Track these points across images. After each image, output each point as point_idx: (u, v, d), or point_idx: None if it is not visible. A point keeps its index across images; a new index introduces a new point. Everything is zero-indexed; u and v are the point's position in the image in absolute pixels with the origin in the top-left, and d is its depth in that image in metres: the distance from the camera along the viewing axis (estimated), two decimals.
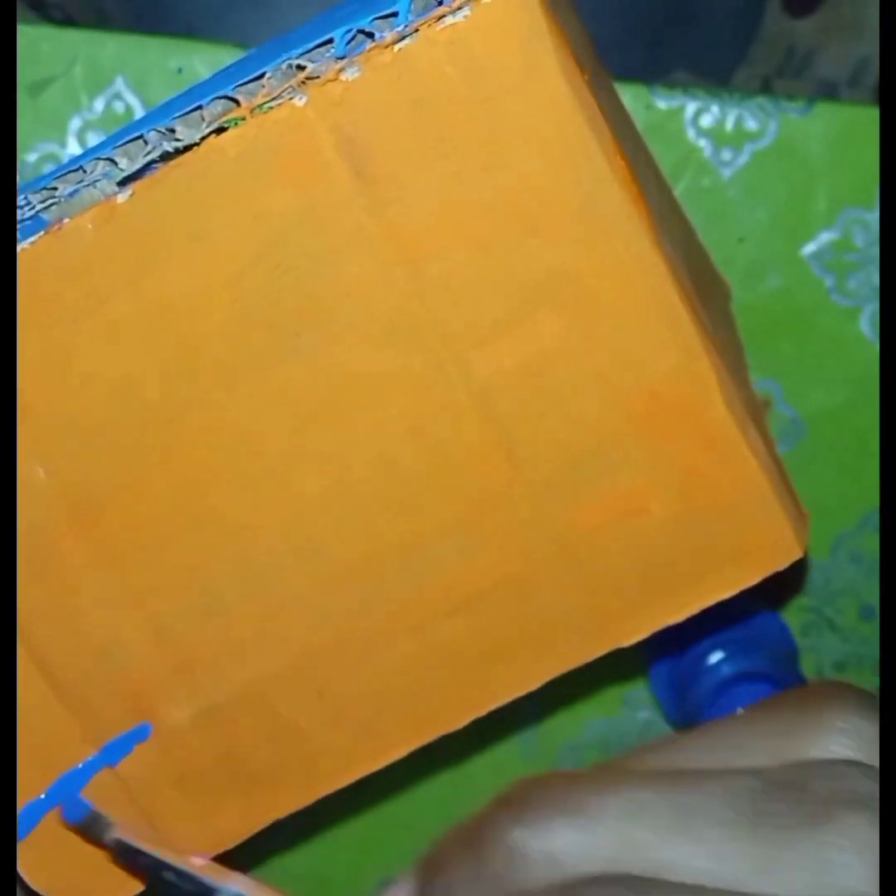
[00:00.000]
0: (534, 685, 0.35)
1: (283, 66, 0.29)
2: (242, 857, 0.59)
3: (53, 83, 0.50)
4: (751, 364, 0.55)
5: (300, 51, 0.29)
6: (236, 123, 0.29)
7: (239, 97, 0.29)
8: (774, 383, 0.55)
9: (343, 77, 0.28)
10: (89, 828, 0.31)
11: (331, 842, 0.59)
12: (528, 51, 0.28)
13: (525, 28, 0.28)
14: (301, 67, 0.29)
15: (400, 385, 0.31)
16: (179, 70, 0.50)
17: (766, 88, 0.96)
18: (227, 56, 0.50)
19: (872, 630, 0.58)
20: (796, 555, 0.34)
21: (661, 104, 0.52)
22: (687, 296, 0.31)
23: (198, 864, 0.30)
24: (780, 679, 0.51)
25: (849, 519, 0.57)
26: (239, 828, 0.35)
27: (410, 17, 0.28)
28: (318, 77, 0.28)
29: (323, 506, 0.32)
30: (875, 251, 0.54)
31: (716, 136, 0.53)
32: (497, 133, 0.29)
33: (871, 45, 0.92)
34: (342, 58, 0.28)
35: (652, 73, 1.11)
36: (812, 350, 0.55)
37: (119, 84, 0.50)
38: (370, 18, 0.29)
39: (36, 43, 0.50)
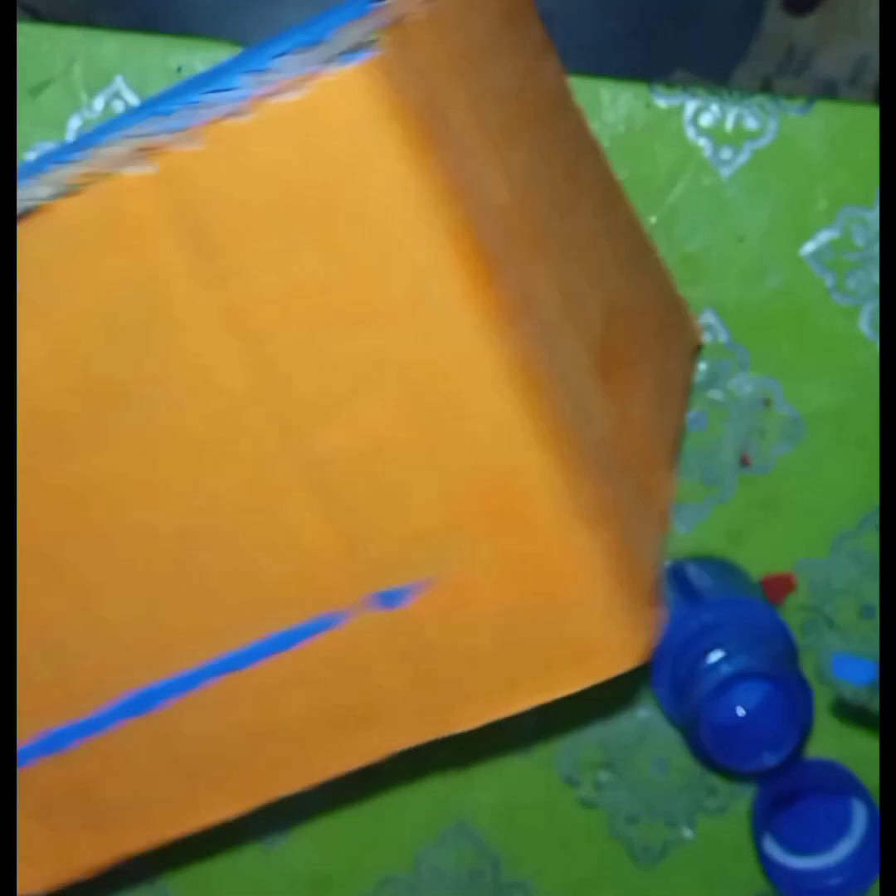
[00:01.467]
0: (369, 760, 0.35)
1: (126, 134, 0.29)
2: (243, 858, 0.59)
3: (53, 82, 0.50)
4: (749, 363, 0.55)
5: (141, 119, 0.29)
6: (78, 189, 0.29)
7: (83, 161, 0.29)
8: (774, 382, 0.55)
9: (183, 148, 0.28)
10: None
11: (331, 840, 0.60)
12: (362, 135, 0.28)
13: (361, 112, 0.27)
14: (142, 136, 0.29)
15: (233, 454, 0.31)
16: (179, 69, 0.50)
17: (766, 87, 0.96)
18: (225, 55, 0.50)
19: (872, 628, 0.58)
20: (628, 665, 0.33)
21: (662, 103, 0.52)
22: (536, 385, 0.30)
23: None
24: (779, 678, 0.51)
25: (848, 518, 0.57)
26: (91, 861, 0.36)
27: (248, 92, 0.28)
28: (158, 147, 0.28)
29: (157, 570, 0.32)
30: (874, 250, 0.54)
31: (716, 135, 0.53)
32: (330, 215, 0.28)
33: (870, 44, 0.92)
34: (182, 129, 0.28)
35: (652, 71, 1.11)
36: (812, 349, 0.55)
37: (118, 83, 0.50)
38: (209, 91, 0.29)
39: (36, 42, 0.50)
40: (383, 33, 0.29)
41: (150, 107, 0.31)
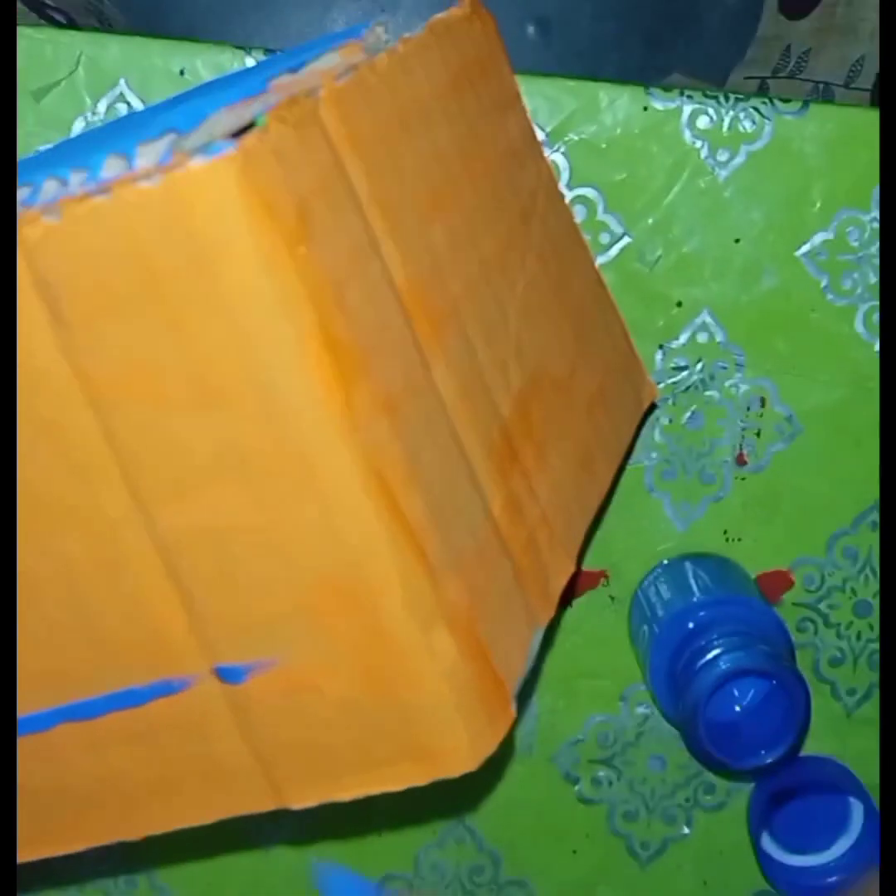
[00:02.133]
0: (206, 820, 0.35)
1: None
2: (242, 857, 0.59)
3: (57, 85, 0.50)
4: (745, 363, 0.55)
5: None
6: None
7: None
8: (770, 382, 0.56)
9: (43, 220, 0.28)
10: None
11: (329, 840, 0.60)
12: (217, 227, 0.27)
13: (216, 204, 0.27)
14: None
15: (89, 522, 0.31)
16: (182, 72, 0.51)
17: (762, 90, 0.97)
18: (228, 58, 0.51)
19: (867, 626, 0.59)
20: (466, 768, 0.33)
21: (658, 105, 0.53)
22: (385, 484, 0.30)
23: None
24: (777, 675, 0.51)
25: (844, 516, 0.58)
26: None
27: (102, 175, 0.28)
28: (19, 217, 0.28)
29: (22, 621, 0.33)
30: (869, 251, 0.55)
31: (712, 137, 0.53)
32: (182, 303, 0.28)
33: (866, 47, 0.92)
34: (44, 202, 0.28)
35: (649, 74, 1.11)
36: (807, 349, 0.55)
37: (122, 85, 0.50)
38: (67, 168, 0.29)
39: (40, 45, 0.50)
40: (271, 115, 0.29)
41: (20, 171, 0.31)
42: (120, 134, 0.34)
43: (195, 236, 0.27)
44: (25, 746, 0.35)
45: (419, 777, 0.33)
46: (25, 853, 0.37)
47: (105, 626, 0.33)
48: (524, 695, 0.37)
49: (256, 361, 0.28)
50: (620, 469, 0.53)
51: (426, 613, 0.31)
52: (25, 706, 0.34)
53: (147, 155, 0.28)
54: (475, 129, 0.41)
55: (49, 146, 0.50)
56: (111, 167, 0.29)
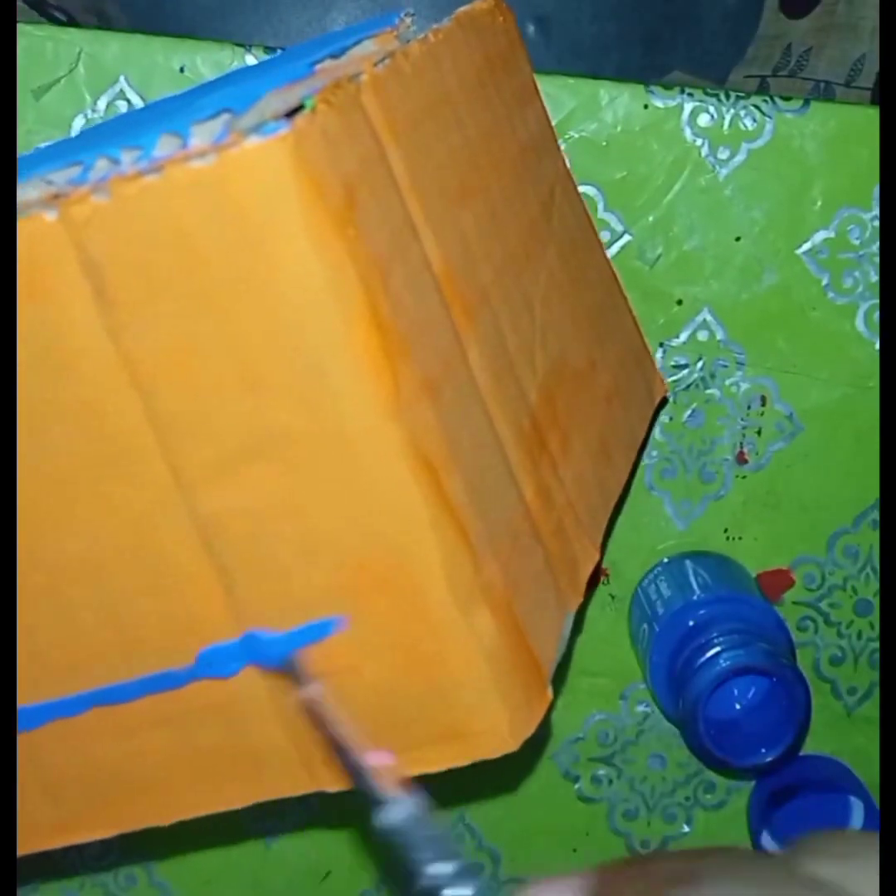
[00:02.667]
0: (235, 804, 0.35)
1: (37, 180, 0.29)
2: (242, 854, 0.59)
3: (57, 82, 0.50)
4: (746, 361, 0.55)
5: (52, 167, 0.29)
6: None
7: None
8: (771, 380, 0.56)
9: (92, 199, 0.28)
10: (293, 672, 0.32)
11: (331, 835, 0.60)
12: (269, 207, 0.27)
13: (267, 187, 0.27)
14: (51, 183, 0.29)
15: (124, 504, 0.31)
16: (181, 69, 0.51)
17: (762, 89, 0.97)
18: (228, 55, 0.51)
19: (868, 625, 0.59)
20: (505, 749, 0.33)
21: (659, 103, 0.53)
22: (429, 465, 0.30)
23: (376, 764, 0.31)
24: (777, 673, 0.51)
25: (845, 515, 0.57)
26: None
27: (155, 153, 0.28)
28: (67, 195, 0.28)
29: (38, 606, 0.33)
30: (870, 249, 0.55)
31: (712, 135, 0.53)
32: (231, 282, 0.28)
33: (866, 45, 0.92)
34: (93, 181, 0.28)
35: (649, 74, 1.11)
36: (808, 347, 0.55)
37: (122, 83, 0.50)
38: (119, 147, 0.29)
39: (40, 43, 0.50)
40: (318, 98, 0.29)
41: (69, 150, 0.31)
42: (172, 114, 0.33)
43: (247, 216, 0.27)
44: (55, 731, 0.34)
45: (460, 758, 0.33)
46: (55, 840, 0.37)
47: (141, 610, 0.32)
48: (557, 680, 0.37)
49: (303, 342, 0.28)
50: (636, 462, 0.53)
51: (468, 594, 0.31)
52: (55, 690, 0.34)
53: (201, 134, 0.28)
54: (499, 120, 0.41)
55: (51, 141, 0.50)
56: (165, 146, 0.28)
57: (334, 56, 0.36)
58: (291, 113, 0.28)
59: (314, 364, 0.29)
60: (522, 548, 0.34)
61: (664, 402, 0.55)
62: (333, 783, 0.34)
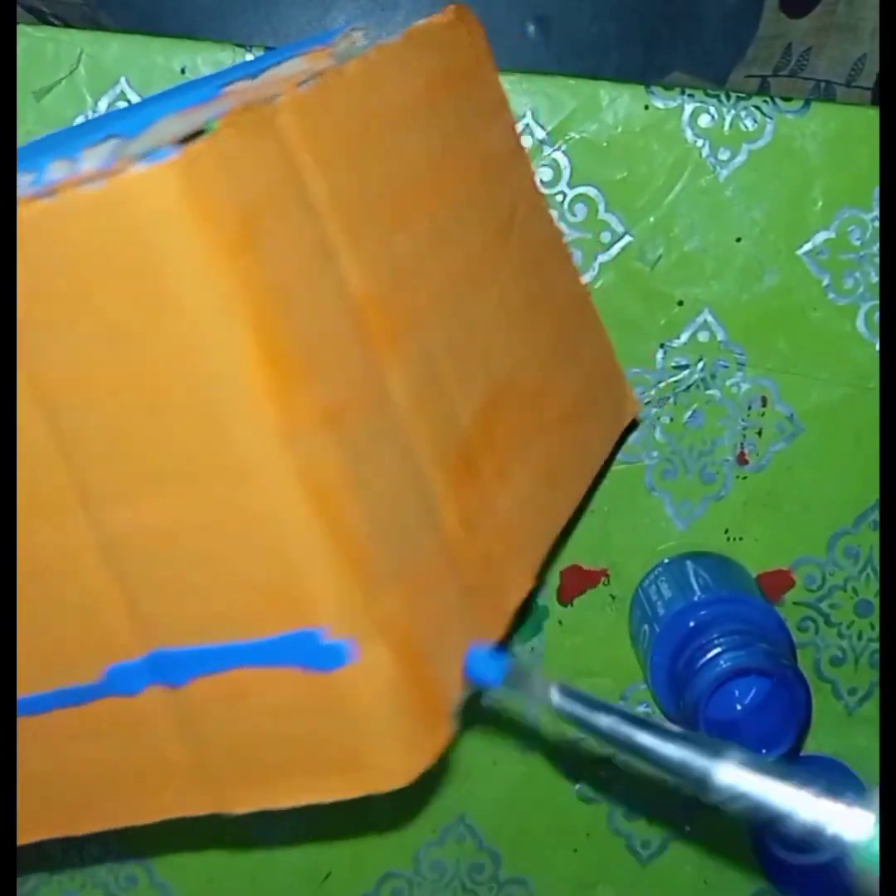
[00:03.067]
0: (138, 820, 0.35)
1: None
2: (243, 854, 0.59)
3: (58, 83, 0.50)
4: (746, 362, 0.55)
5: None
6: None
7: None
8: (771, 381, 0.56)
9: None
10: (519, 681, 0.34)
11: (332, 835, 0.60)
12: (159, 234, 0.27)
13: (158, 211, 0.27)
14: None
15: (32, 522, 0.31)
16: (183, 70, 0.51)
17: (763, 89, 0.97)
18: (228, 55, 0.51)
19: (868, 625, 0.59)
20: (398, 783, 0.33)
21: (659, 104, 0.53)
22: (326, 496, 0.30)
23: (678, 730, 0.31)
24: (777, 674, 0.51)
25: (845, 516, 0.58)
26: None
27: (48, 177, 0.28)
28: None
29: None
30: (871, 250, 0.55)
31: (713, 135, 0.53)
32: (127, 308, 0.28)
33: (867, 45, 0.92)
34: None
35: (650, 74, 1.11)
36: (809, 348, 0.55)
37: (123, 84, 0.50)
38: (24, 169, 0.29)
39: (40, 44, 0.50)
40: (223, 121, 0.29)
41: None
42: (72, 138, 0.34)
43: (137, 241, 0.27)
44: None
45: (352, 790, 0.33)
46: (48, 830, 0.37)
47: (52, 626, 0.33)
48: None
49: (196, 368, 0.28)
50: (594, 484, 0.52)
51: (360, 625, 0.31)
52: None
53: (91, 159, 0.28)
54: (452, 138, 0.41)
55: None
56: (57, 170, 0.29)
57: (250, 76, 0.35)
58: (191, 137, 0.28)
59: (209, 390, 0.29)
60: (434, 577, 0.34)
61: (635, 422, 0.54)
62: (236, 805, 0.34)
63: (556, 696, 0.33)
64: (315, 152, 0.32)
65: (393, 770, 0.32)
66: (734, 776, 0.30)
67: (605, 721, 0.32)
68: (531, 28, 1.14)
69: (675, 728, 0.31)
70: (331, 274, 0.32)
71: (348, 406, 0.32)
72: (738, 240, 0.54)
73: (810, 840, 0.29)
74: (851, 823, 0.29)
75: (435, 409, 0.36)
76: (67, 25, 0.53)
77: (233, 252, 0.28)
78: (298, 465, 0.29)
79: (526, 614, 0.58)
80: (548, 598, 0.57)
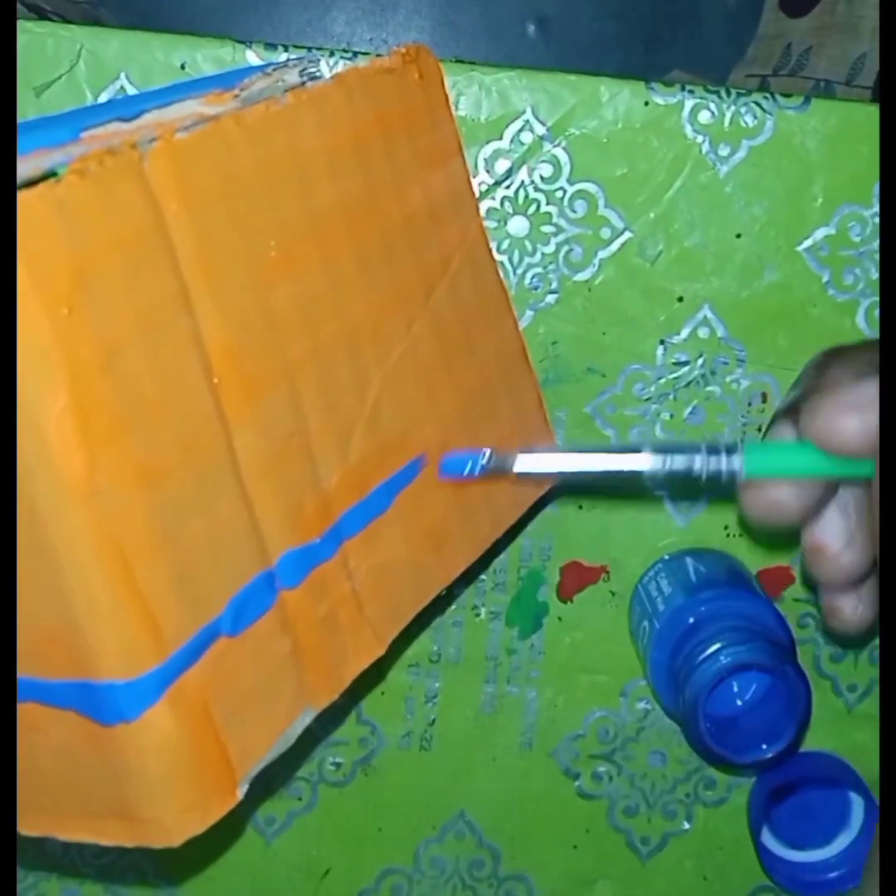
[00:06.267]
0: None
1: None
2: (243, 850, 0.59)
3: (58, 79, 0.50)
4: (746, 358, 0.55)
5: None
6: None
7: None
8: (771, 377, 0.56)
9: None
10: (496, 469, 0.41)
11: (331, 832, 0.60)
12: None
13: None
14: None
15: None
16: (182, 66, 0.51)
17: (763, 87, 0.97)
18: (229, 52, 0.51)
19: None
20: (173, 842, 0.33)
21: (659, 100, 0.53)
22: (121, 561, 0.30)
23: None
24: (777, 670, 0.51)
25: None
26: None
27: None
28: None
29: None
30: (871, 246, 0.55)
31: (713, 132, 0.53)
32: None
33: (866, 44, 0.92)
34: None
35: (650, 72, 1.11)
36: (809, 344, 0.55)
37: (123, 80, 0.50)
38: None
39: (40, 40, 0.50)
40: (72, 167, 0.28)
41: None
42: None
43: None
44: None
45: (128, 838, 0.33)
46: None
47: None
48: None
49: (18, 416, 0.29)
50: (499, 545, 0.49)
51: (143, 686, 0.31)
52: None
53: None
54: (376, 187, 0.40)
55: None
56: None
57: (124, 119, 0.34)
58: (33, 183, 0.28)
59: (23, 435, 0.29)
60: (257, 638, 0.34)
61: (555, 488, 0.52)
62: (27, 828, 0.34)
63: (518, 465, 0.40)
64: (186, 200, 0.32)
65: (166, 828, 0.33)
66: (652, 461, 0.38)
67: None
68: (531, 28, 1.14)
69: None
70: (184, 325, 0.32)
71: (177, 463, 0.32)
72: (738, 236, 0.54)
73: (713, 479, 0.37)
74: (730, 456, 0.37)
75: (292, 467, 0.36)
76: (67, 22, 0.53)
77: (52, 304, 0.28)
78: (92, 522, 0.30)
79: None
80: (548, 594, 0.57)
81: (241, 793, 0.34)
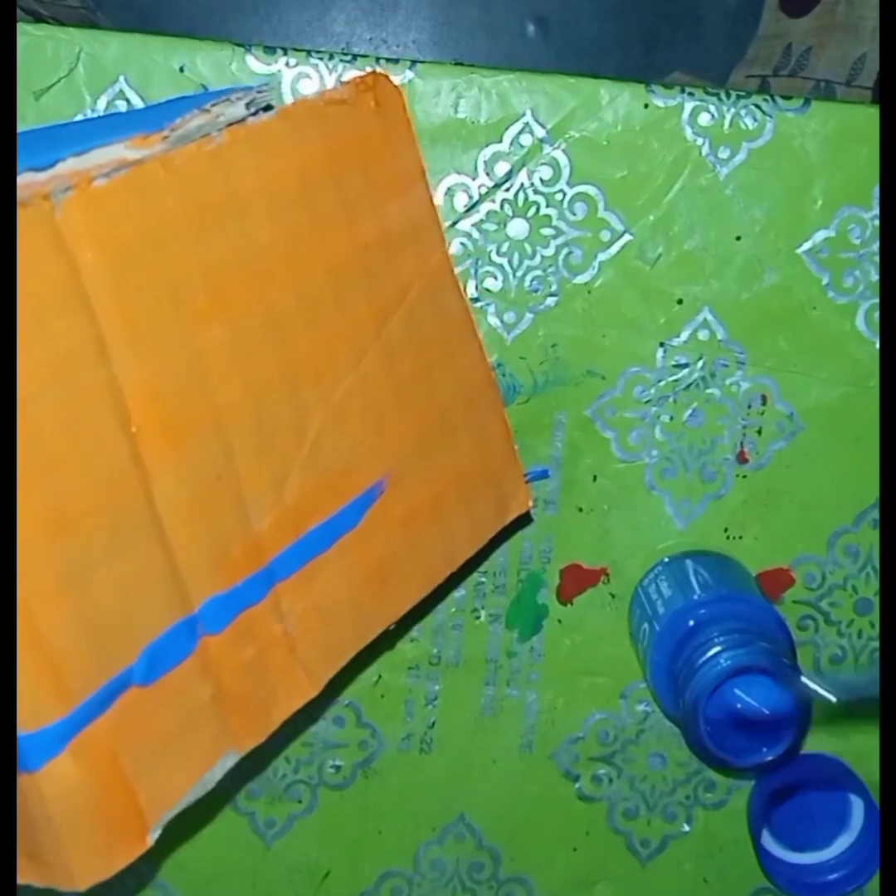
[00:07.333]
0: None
1: None
2: (242, 853, 0.59)
3: (57, 82, 0.50)
4: (746, 360, 0.55)
5: None
6: None
7: None
8: (771, 379, 0.56)
9: None
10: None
11: (331, 834, 0.60)
12: None
13: None
14: None
15: None
16: (181, 69, 0.51)
17: (763, 88, 0.97)
18: (228, 54, 0.51)
19: (868, 624, 0.59)
20: (78, 888, 0.33)
21: (659, 102, 0.53)
22: (28, 603, 0.30)
23: None
24: (777, 672, 0.51)
25: (845, 514, 0.57)
26: None
27: None
28: None
29: None
30: (871, 249, 0.55)
31: (713, 134, 0.53)
32: None
33: (867, 45, 0.92)
34: None
35: (650, 73, 1.11)
36: (808, 346, 0.55)
37: (122, 83, 0.50)
38: None
39: (40, 42, 0.50)
40: None
41: None
42: None
43: None
44: None
45: (37, 878, 0.34)
46: None
47: None
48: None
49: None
50: (458, 576, 0.48)
51: (49, 736, 0.31)
52: None
53: None
54: (323, 221, 0.39)
55: None
56: None
57: (36, 169, 0.34)
58: None
59: None
60: (174, 683, 0.34)
61: (527, 515, 0.51)
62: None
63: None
64: (104, 249, 0.32)
65: (71, 872, 0.33)
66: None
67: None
68: (531, 28, 1.14)
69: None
70: (98, 376, 0.32)
71: (82, 513, 0.32)
72: (738, 238, 0.54)
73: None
74: None
75: (218, 510, 0.36)
76: (66, 25, 0.53)
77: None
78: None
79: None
80: (548, 596, 0.57)
81: (151, 839, 0.34)
